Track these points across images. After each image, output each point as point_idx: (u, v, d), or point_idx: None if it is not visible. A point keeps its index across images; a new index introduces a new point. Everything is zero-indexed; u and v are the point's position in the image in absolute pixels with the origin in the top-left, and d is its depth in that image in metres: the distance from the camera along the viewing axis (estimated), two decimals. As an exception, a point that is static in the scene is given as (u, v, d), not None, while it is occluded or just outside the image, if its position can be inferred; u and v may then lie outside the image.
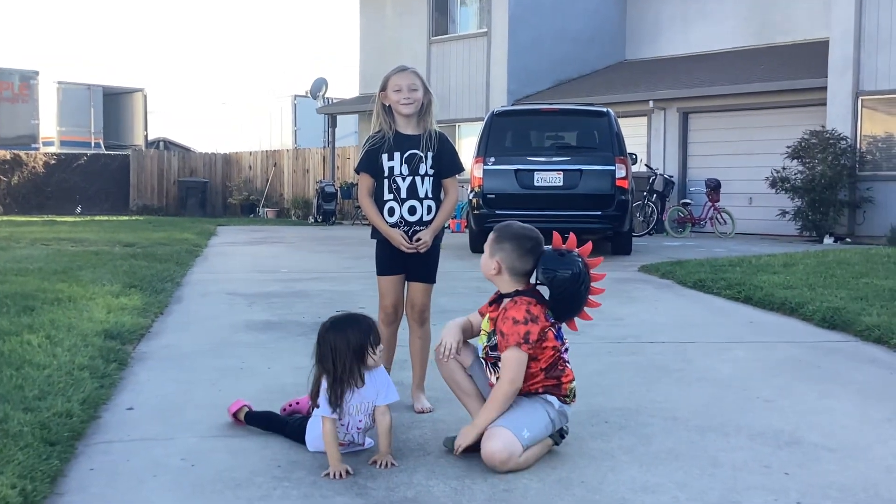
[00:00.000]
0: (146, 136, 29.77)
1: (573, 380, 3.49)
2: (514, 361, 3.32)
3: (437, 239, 4.25)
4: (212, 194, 26.74)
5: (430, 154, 4.16)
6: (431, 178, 4.17)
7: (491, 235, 3.54)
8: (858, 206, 15.46)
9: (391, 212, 4.16)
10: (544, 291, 3.49)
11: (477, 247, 11.94)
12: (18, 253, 10.68)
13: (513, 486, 3.11)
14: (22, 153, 25.04)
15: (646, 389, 4.49)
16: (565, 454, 3.43)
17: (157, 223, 19.40)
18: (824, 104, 15.90)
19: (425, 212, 4.17)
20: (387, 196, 4.17)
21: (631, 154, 13.28)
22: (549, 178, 11.70)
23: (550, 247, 3.50)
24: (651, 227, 17.16)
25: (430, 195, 4.18)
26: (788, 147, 15.72)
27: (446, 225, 4.41)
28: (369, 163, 4.19)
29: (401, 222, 4.16)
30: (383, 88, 4.17)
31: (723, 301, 7.64)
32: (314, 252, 12.98)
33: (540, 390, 3.42)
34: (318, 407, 3.31)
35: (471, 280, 8.66)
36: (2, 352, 4.67)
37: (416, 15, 22.44)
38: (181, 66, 73.12)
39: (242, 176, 27.10)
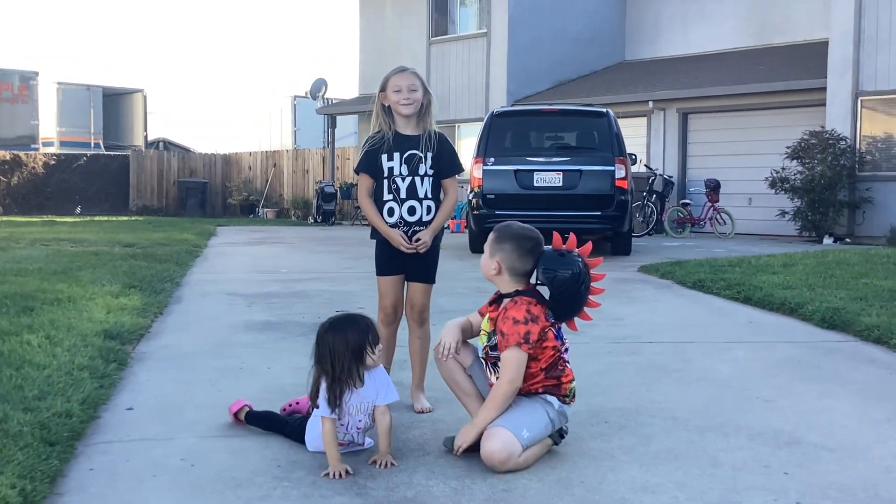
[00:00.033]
0: (146, 137, 29.79)
1: (573, 380, 3.49)
2: (513, 361, 3.32)
3: (437, 239, 4.25)
4: (211, 195, 26.75)
5: (429, 154, 4.16)
6: (431, 179, 4.18)
7: (491, 236, 3.55)
8: (858, 207, 15.46)
9: (391, 212, 4.16)
10: (544, 291, 3.49)
11: (476, 247, 11.94)
12: (18, 253, 10.68)
13: (512, 486, 3.11)
14: (22, 154, 25.05)
15: (645, 389, 4.49)
16: (565, 454, 3.43)
17: (156, 223, 19.40)
18: (824, 105, 15.91)
19: (425, 212, 4.17)
20: (386, 196, 4.17)
21: (630, 154, 13.29)
22: (548, 178, 11.70)
23: (550, 247, 3.50)
24: (650, 227, 17.16)
25: (429, 195, 4.18)
26: (788, 147, 15.73)
27: (446, 225, 4.41)
28: (369, 163, 4.19)
29: (400, 222, 4.16)
30: (383, 89, 4.17)
31: (722, 301, 7.64)
32: (314, 252, 12.98)
33: (540, 390, 3.42)
34: (317, 407, 3.31)
35: (470, 280, 8.66)
36: (2, 352, 4.67)
37: (415, 15, 22.44)
38: (181, 67, 73.14)
39: (242, 176, 27.11)
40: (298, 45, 74.45)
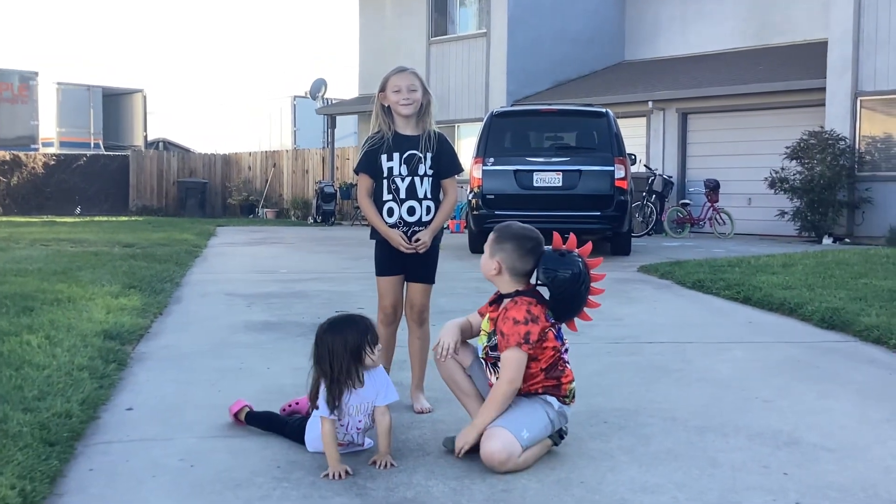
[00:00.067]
0: (146, 137, 29.79)
1: (573, 380, 3.49)
2: (513, 361, 3.32)
3: (437, 239, 4.25)
4: (211, 195, 26.74)
5: (429, 154, 4.16)
6: (430, 179, 4.18)
7: (491, 236, 3.55)
8: (857, 207, 15.47)
9: (390, 212, 4.16)
10: (544, 292, 3.49)
11: (476, 247, 11.95)
12: (18, 254, 10.68)
13: (512, 486, 3.11)
14: (21, 154, 25.04)
15: (645, 390, 4.49)
16: (564, 454, 3.43)
17: (156, 224, 19.40)
18: (823, 105, 15.91)
19: (424, 212, 4.17)
20: (386, 196, 4.17)
21: (630, 154, 13.29)
22: (548, 178, 11.70)
23: (551, 247, 3.50)
24: (650, 227, 17.17)
25: (429, 196, 4.18)
26: (787, 147, 15.73)
27: (445, 225, 4.41)
28: (368, 163, 4.19)
29: (400, 223, 4.16)
30: (382, 89, 4.17)
31: (722, 301, 7.64)
32: (313, 252, 12.98)
33: (539, 391, 3.42)
34: (317, 408, 3.31)
35: (470, 280, 8.66)
36: (1, 352, 4.67)
37: (415, 16, 22.45)
38: (181, 67, 73.14)
39: (242, 176, 27.11)
40: (298, 45, 74.46)
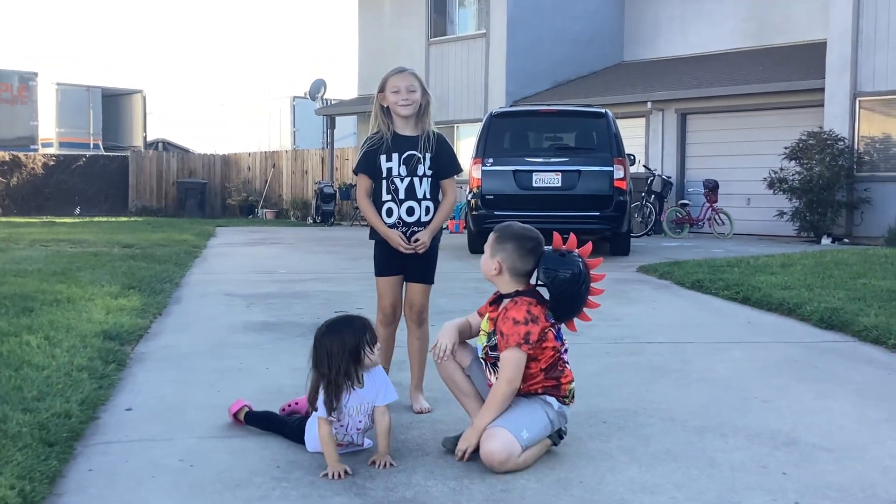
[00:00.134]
0: (145, 138, 29.78)
1: (572, 381, 3.50)
2: (513, 362, 3.33)
3: (436, 240, 4.26)
4: (210, 195, 26.74)
5: (428, 155, 4.16)
6: (430, 179, 4.18)
7: (491, 236, 3.55)
8: (856, 207, 15.48)
9: (389, 212, 4.17)
10: (543, 292, 3.49)
11: (475, 247, 11.96)
12: (17, 254, 10.68)
13: (511, 486, 3.12)
14: (21, 154, 25.03)
15: (644, 390, 4.49)
16: (564, 455, 3.44)
17: (155, 224, 19.40)
18: (822, 105, 15.92)
19: (423, 213, 4.17)
20: (385, 197, 4.17)
21: (629, 155, 13.30)
22: (547, 178, 11.71)
23: (551, 247, 3.50)
24: (649, 227, 17.18)
25: (428, 196, 4.18)
26: (786, 148, 15.74)
27: (444, 226, 4.41)
28: (367, 164, 4.19)
29: (399, 223, 4.16)
30: (381, 90, 4.17)
31: (721, 301, 7.65)
32: (312, 253, 12.99)
33: (539, 391, 3.42)
34: (316, 410, 3.31)
35: (469, 281, 8.67)
36: (1, 353, 4.67)
37: (414, 16, 22.45)
38: (180, 67, 73.14)
39: (241, 177, 27.11)
40: (298, 46, 74.46)
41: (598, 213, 11.56)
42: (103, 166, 25.99)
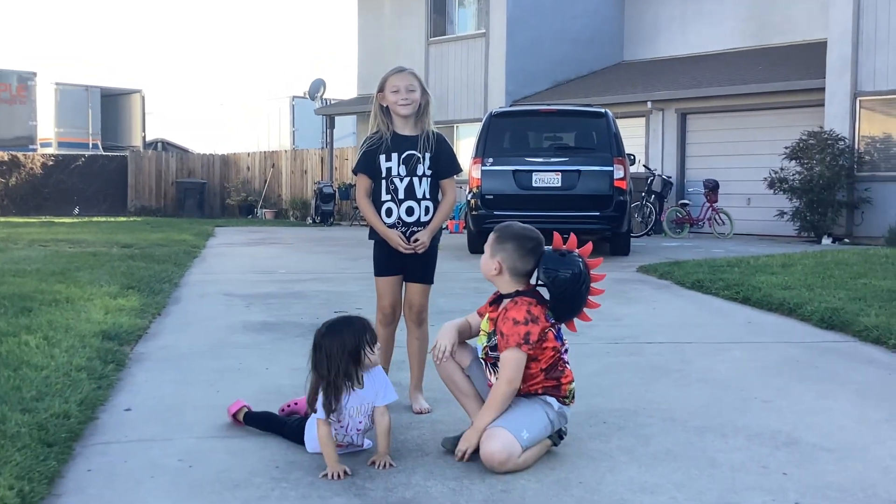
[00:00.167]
0: (144, 137, 29.78)
1: (572, 381, 3.49)
2: (513, 362, 3.32)
3: (435, 240, 4.25)
4: (210, 195, 26.73)
5: (427, 155, 4.16)
6: (429, 179, 4.17)
7: (492, 236, 3.54)
8: (856, 207, 15.47)
9: (389, 212, 4.16)
10: (543, 292, 3.49)
11: (475, 247, 11.95)
12: (16, 254, 10.68)
13: (511, 486, 3.11)
14: (20, 154, 25.03)
15: (644, 390, 4.49)
16: (564, 455, 3.43)
17: (154, 224, 19.40)
18: (822, 105, 15.92)
19: (423, 212, 4.16)
20: (384, 197, 4.16)
21: (629, 155, 13.29)
22: (547, 178, 11.70)
23: (551, 247, 3.50)
24: (649, 227, 17.18)
25: (427, 196, 4.17)
26: (787, 148, 15.74)
27: (444, 226, 4.41)
28: (367, 164, 4.18)
29: (398, 223, 4.16)
30: (381, 89, 4.17)
31: (721, 301, 7.64)
32: (312, 253, 12.98)
33: (539, 391, 3.41)
34: (315, 412, 3.30)
35: (469, 281, 8.66)
36: (0, 353, 4.67)
37: (414, 16, 22.44)
38: (179, 67, 73.14)
39: (240, 177, 27.11)
40: (298, 46, 74.48)
41: (598, 213, 11.55)
42: (102, 166, 25.98)
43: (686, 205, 17.57)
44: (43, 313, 5.95)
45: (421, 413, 4.03)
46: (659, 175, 17.80)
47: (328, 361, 3.27)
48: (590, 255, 3.54)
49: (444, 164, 4.22)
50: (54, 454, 3.24)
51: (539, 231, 3.55)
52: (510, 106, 17.79)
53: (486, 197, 11.79)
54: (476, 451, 3.29)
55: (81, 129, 28.12)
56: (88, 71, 73.84)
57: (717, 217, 17.08)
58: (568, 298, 3.44)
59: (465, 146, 19.15)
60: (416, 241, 4.13)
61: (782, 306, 6.95)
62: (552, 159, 11.85)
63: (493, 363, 3.45)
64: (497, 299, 3.54)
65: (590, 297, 3.50)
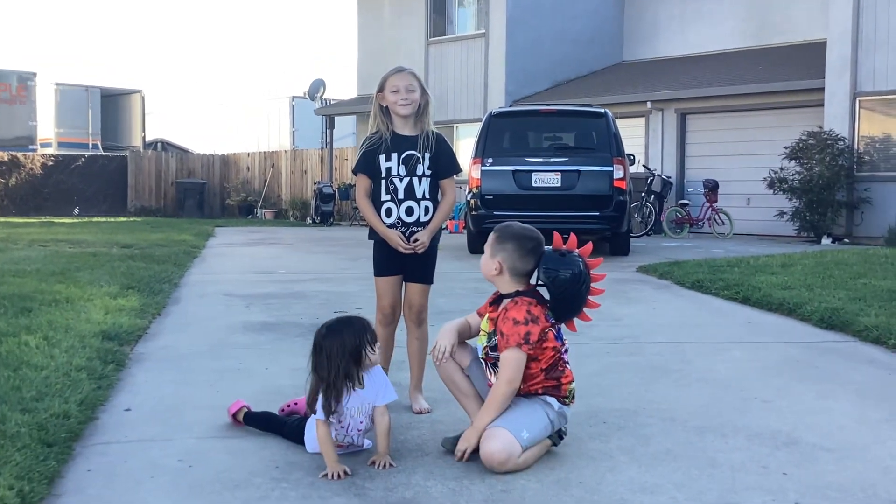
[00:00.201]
0: (144, 138, 29.78)
1: (573, 381, 3.49)
2: (513, 362, 3.32)
3: (435, 240, 4.25)
4: (210, 195, 26.73)
5: (427, 155, 4.16)
6: (429, 179, 4.17)
7: (491, 236, 3.54)
8: (856, 207, 15.47)
9: (388, 212, 4.16)
10: (543, 292, 3.49)
11: (475, 247, 11.95)
12: (16, 254, 10.67)
13: (511, 486, 3.11)
14: (20, 154, 25.02)
15: (644, 390, 4.49)
16: (564, 455, 3.43)
17: (154, 224, 19.39)
18: (822, 105, 15.92)
19: (423, 212, 4.16)
20: (384, 197, 4.16)
21: (629, 155, 13.29)
22: (546, 178, 11.70)
23: (551, 247, 3.50)
24: (649, 227, 17.17)
25: (427, 196, 4.17)
26: (786, 148, 15.74)
27: (444, 226, 4.41)
28: (366, 164, 4.18)
29: (398, 223, 4.15)
30: (381, 89, 4.16)
31: (721, 301, 7.64)
32: (312, 253, 12.98)
33: (539, 391, 3.41)
34: (315, 413, 3.30)
35: (468, 281, 8.66)
36: (0, 353, 4.67)
37: (414, 16, 22.44)
38: (179, 67, 73.14)
39: (240, 177, 27.10)
40: (298, 46, 74.48)
41: (597, 213, 11.55)
42: (102, 166, 25.98)
43: (686, 205, 17.57)
44: (43, 313, 5.95)
45: (421, 413, 4.03)
46: (659, 175, 17.80)
47: (329, 362, 3.27)
48: (590, 255, 3.54)
49: (444, 164, 4.22)
50: (54, 454, 3.24)
51: (539, 231, 3.55)
52: (510, 106, 17.79)
53: (486, 197, 11.78)
54: (476, 450, 3.29)
55: (81, 129, 28.12)
56: (88, 71, 73.86)
57: (716, 217, 17.08)
58: (568, 298, 3.44)
59: (464, 146, 19.14)
60: (416, 241, 4.13)
61: (782, 306, 6.95)
62: (552, 159, 11.85)
63: (494, 363, 3.45)
64: (497, 299, 3.54)
65: (590, 297, 3.50)
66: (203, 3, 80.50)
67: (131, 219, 22.85)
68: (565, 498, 3.01)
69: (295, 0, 76.69)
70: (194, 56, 76.19)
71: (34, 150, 26.29)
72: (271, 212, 25.63)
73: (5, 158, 24.62)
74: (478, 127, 12.86)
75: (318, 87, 27.43)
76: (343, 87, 58.00)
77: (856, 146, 15.54)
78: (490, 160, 11.86)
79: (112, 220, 21.95)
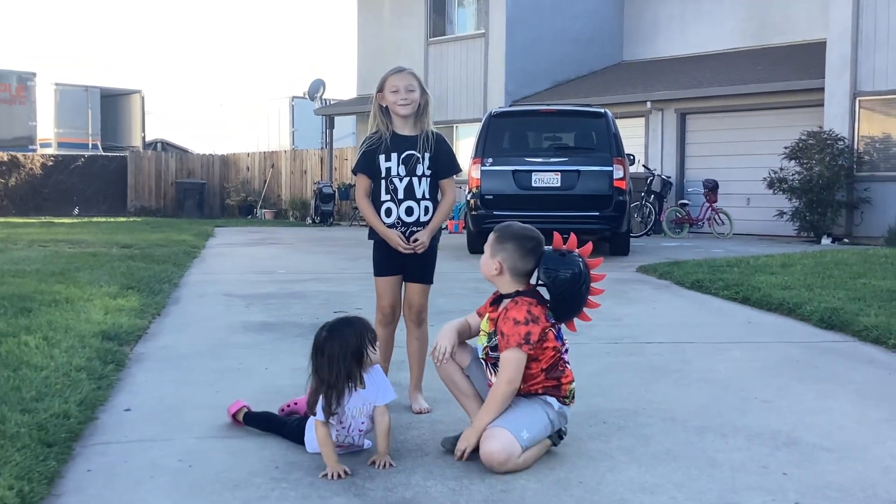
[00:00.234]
0: (144, 138, 29.77)
1: (573, 381, 3.49)
2: (513, 362, 3.32)
3: (435, 240, 4.24)
4: (209, 195, 26.73)
5: (427, 155, 4.15)
6: (429, 179, 4.17)
7: (492, 236, 3.54)
8: (856, 207, 15.47)
9: (388, 212, 4.16)
10: (543, 292, 3.49)
11: (475, 247, 11.95)
12: (16, 254, 10.67)
13: (511, 486, 3.11)
14: (19, 155, 25.02)
15: (644, 390, 4.49)
16: (564, 455, 3.43)
17: (154, 224, 19.39)
18: (822, 105, 15.92)
19: (422, 212, 4.16)
20: (384, 197, 4.16)
21: (629, 155, 13.29)
22: (546, 178, 11.70)
23: (551, 247, 3.50)
24: (649, 227, 17.17)
25: (427, 196, 4.17)
26: (786, 148, 15.74)
27: (444, 226, 4.41)
28: (366, 164, 4.18)
29: (398, 223, 4.15)
30: (380, 89, 4.16)
31: (721, 301, 7.64)
32: (311, 253, 12.98)
33: (539, 391, 3.41)
34: (314, 415, 3.30)
35: (468, 281, 8.66)
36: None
37: (413, 16, 22.44)
38: (179, 67, 73.14)
39: (240, 177, 27.10)
40: (298, 46, 74.49)
41: (597, 214, 11.55)
42: (102, 166, 25.98)
43: (685, 205, 17.57)
44: (42, 314, 5.95)
45: (420, 413, 4.03)
46: (658, 175, 17.80)
47: (331, 363, 3.26)
48: (590, 255, 3.54)
49: (444, 164, 4.22)
50: (54, 454, 3.24)
51: (539, 231, 3.55)
52: (510, 106, 17.78)
53: (486, 197, 11.78)
54: (475, 450, 3.29)
55: (81, 129, 28.12)
56: (88, 71, 73.84)
57: (716, 217, 17.08)
58: (568, 298, 3.44)
59: (464, 146, 19.14)
60: (416, 241, 4.13)
61: (782, 306, 6.95)
62: (552, 159, 11.85)
63: (494, 363, 3.45)
64: (497, 299, 3.54)
65: (590, 297, 3.50)
66: (203, 3, 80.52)
67: (131, 219, 22.85)
68: (565, 498, 3.01)
69: (295, 0, 76.71)
70: (194, 56, 76.21)
71: (34, 151, 26.29)
72: (271, 212, 25.63)
73: (5, 159, 24.62)
74: (477, 127, 12.86)
75: (317, 87, 27.43)
76: (343, 87, 58.02)
77: (856, 146, 15.54)
78: (490, 160, 11.86)
79: (112, 220, 21.95)
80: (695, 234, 17.33)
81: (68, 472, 3.21)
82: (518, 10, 20.45)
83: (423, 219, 4.16)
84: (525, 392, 3.40)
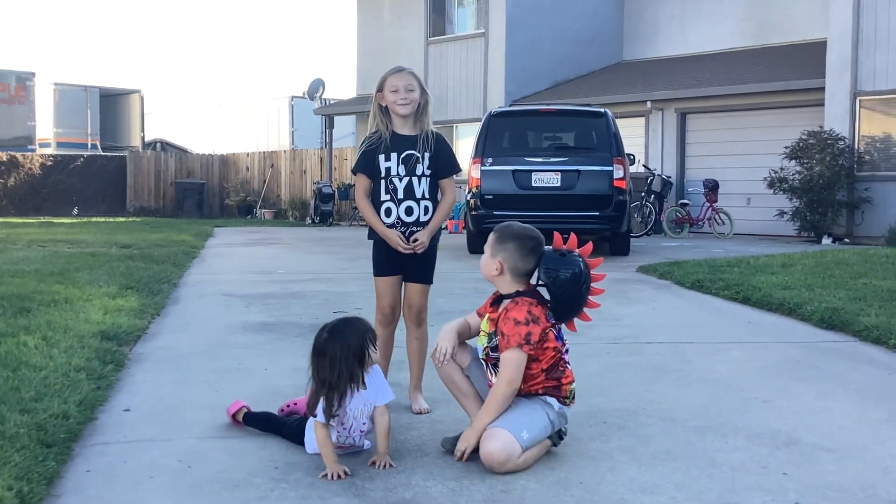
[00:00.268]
0: (143, 138, 29.77)
1: (573, 381, 3.48)
2: (513, 362, 3.32)
3: (434, 240, 4.24)
4: (209, 195, 26.73)
5: (426, 154, 4.15)
6: (428, 179, 4.16)
7: (492, 236, 3.54)
8: (856, 207, 15.47)
9: (388, 212, 4.15)
10: (543, 292, 3.48)
11: (475, 247, 11.95)
12: (15, 254, 10.67)
13: (511, 486, 3.10)
14: (18, 155, 25.02)
15: (644, 390, 4.48)
16: (564, 455, 3.42)
17: (153, 224, 19.39)
18: (822, 104, 15.92)
19: (422, 212, 4.16)
20: (384, 197, 4.16)
21: (629, 155, 13.29)
22: (546, 178, 11.70)
23: (551, 247, 3.49)
24: (649, 227, 17.17)
25: (427, 196, 4.17)
26: (786, 147, 15.74)
27: (443, 225, 4.40)
28: (366, 163, 4.18)
29: (398, 223, 4.15)
30: (380, 89, 4.16)
31: (721, 301, 7.64)
32: (311, 253, 12.97)
33: (540, 391, 3.41)
34: (315, 416, 3.29)
35: (468, 281, 8.66)
36: (-2, 353, 4.66)
37: (413, 16, 22.44)
38: (178, 67, 73.13)
39: (239, 177, 27.10)
40: (298, 46, 74.49)
41: (597, 213, 11.55)
42: (101, 166, 25.98)
43: (686, 205, 17.57)
44: (42, 314, 5.94)
45: (420, 413, 4.02)
46: (659, 175, 17.80)
47: (332, 364, 3.25)
48: (590, 255, 3.54)
49: (444, 163, 4.21)
50: (53, 455, 3.23)
51: (539, 231, 3.55)
52: (510, 106, 17.78)
53: (486, 197, 11.78)
54: (476, 451, 3.29)
55: (80, 129, 28.12)
56: (88, 71, 73.84)
57: (716, 217, 17.08)
58: (568, 298, 3.44)
59: (464, 146, 19.14)
60: (416, 240, 4.12)
61: (782, 306, 6.94)
62: (552, 159, 11.85)
63: (494, 363, 3.44)
64: (497, 299, 3.53)
65: (590, 297, 3.50)
66: (203, 3, 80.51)
67: (130, 219, 22.85)
68: (565, 498, 3.00)
69: (295, 0, 76.71)
70: (194, 56, 76.20)
71: (33, 151, 26.29)
72: (270, 212, 25.62)
73: (4, 158, 24.61)
74: (477, 127, 12.85)
75: (317, 86, 27.42)
76: (343, 87, 57.97)
77: (856, 146, 15.54)
78: (490, 160, 11.86)
79: (111, 220, 21.95)
80: (695, 234, 17.33)
81: (67, 473, 3.20)
82: (518, 10, 20.44)
83: (422, 219, 4.16)
84: (525, 392, 3.40)
